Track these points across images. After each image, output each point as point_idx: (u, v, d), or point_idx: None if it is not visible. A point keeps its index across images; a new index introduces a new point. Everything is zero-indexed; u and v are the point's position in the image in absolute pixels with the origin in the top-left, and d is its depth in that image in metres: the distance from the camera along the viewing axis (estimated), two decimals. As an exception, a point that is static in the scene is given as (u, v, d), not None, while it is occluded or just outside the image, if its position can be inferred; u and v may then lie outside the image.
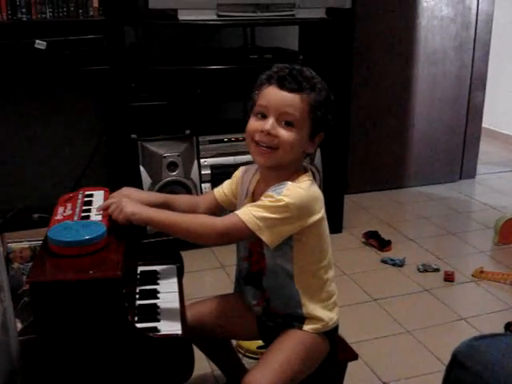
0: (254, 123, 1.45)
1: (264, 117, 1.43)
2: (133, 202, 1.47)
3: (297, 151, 1.45)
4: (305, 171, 1.51)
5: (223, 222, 1.41)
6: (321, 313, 1.52)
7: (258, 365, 1.50)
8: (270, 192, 1.42)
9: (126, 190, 1.60)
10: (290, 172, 1.47)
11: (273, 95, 1.42)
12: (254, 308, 1.61)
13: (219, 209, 1.67)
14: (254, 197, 1.53)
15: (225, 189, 1.64)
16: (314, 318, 1.52)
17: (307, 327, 1.52)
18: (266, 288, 1.54)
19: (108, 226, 1.44)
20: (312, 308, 1.52)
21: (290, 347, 1.50)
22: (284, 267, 1.48)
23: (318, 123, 1.44)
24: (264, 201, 1.40)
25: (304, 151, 1.47)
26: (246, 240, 1.51)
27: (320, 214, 1.46)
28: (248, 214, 1.39)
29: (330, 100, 1.45)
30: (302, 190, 1.42)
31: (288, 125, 1.42)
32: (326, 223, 1.52)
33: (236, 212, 1.42)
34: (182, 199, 1.70)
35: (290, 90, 1.41)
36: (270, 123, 1.41)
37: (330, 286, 1.55)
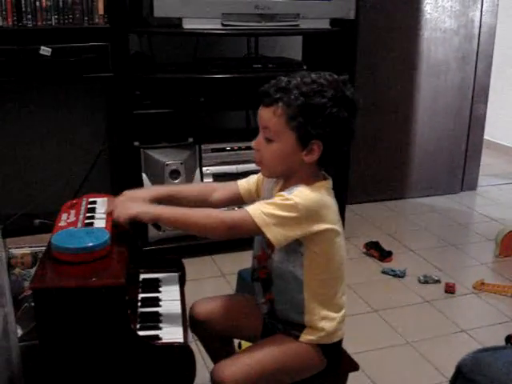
0: None
1: None
2: (138, 203, 1.49)
3: (285, 162, 1.45)
4: (324, 179, 1.50)
5: (232, 216, 1.42)
6: (322, 324, 1.51)
7: (232, 355, 1.54)
8: (282, 192, 1.44)
9: (129, 192, 1.60)
10: (301, 179, 1.46)
11: (258, 113, 1.46)
12: (261, 306, 1.61)
13: (237, 202, 1.68)
14: None
15: (251, 186, 1.65)
16: (314, 329, 1.51)
17: (303, 338, 1.52)
18: (273, 290, 1.54)
19: (111, 233, 1.44)
20: (314, 318, 1.51)
21: (270, 348, 1.50)
22: (294, 274, 1.48)
23: (301, 131, 1.40)
24: (275, 199, 1.42)
25: (302, 160, 1.44)
26: (253, 235, 1.52)
27: (331, 224, 1.45)
28: (257, 209, 1.40)
29: (313, 105, 1.38)
30: (312, 193, 1.42)
31: (267, 140, 1.44)
32: (341, 238, 1.51)
33: (246, 207, 1.43)
34: (189, 190, 1.72)
35: (266, 105, 1.43)
36: (254, 140, 1.48)
37: (339, 299, 1.55)
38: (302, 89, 1.39)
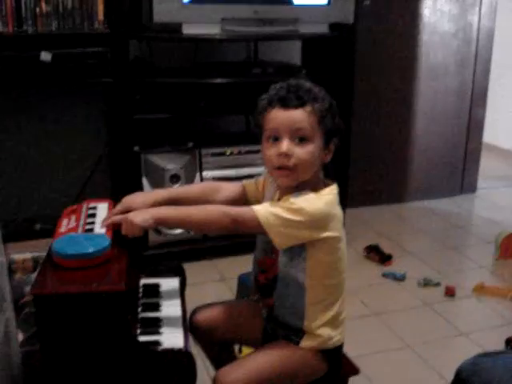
0: (269, 149, 1.45)
1: (276, 139, 1.44)
2: (139, 212, 1.46)
3: (316, 164, 1.46)
4: (329, 184, 1.50)
5: (237, 210, 1.43)
6: (322, 330, 1.52)
7: (234, 361, 1.54)
8: (289, 196, 1.43)
9: (129, 198, 1.57)
10: (311, 185, 1.47)
11: (280, 117, 1.43)
12: (262, 310, 1.62)
13: (241, 203, 1.63)
14: None
15: (258, 188, 1.64)
16: (314, 334, 1.52)
17: (304, 343, 1.52)
18: (274, 295, 1.54)
19: (112, 239, 1.45)
20: (314, 323, 1.51)
21: (271, 354, 1.51)
22: (297, 279, 1.49)
23: (328, 130, 1.45)
24: (281, 203, 1.43)
25: (322, 162, 1.47)
26: (255, 233, 1.52)
27: (335, 232, 1.46)
28: (262, 209, 1.41)
29: (334, 105, 1.46)
30: (320, 201, 1.43)
31: (302, 140, 1.42)
32: (343, 244, 1.52)
33: (252, 206, 1.44)
34: (190, 192, 1.68)
35: (295, 107, 1.41)
36: (285, 144, 1.42)
37: (339, 306, 1.55)
38: (321, 91, 1.46)
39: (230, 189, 1.67)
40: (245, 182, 1.67)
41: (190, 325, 1.61)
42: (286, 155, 1.41)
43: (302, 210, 1.39)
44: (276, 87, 1.46)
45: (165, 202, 1.59)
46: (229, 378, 1.44)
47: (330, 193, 1.47)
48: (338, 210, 1.48)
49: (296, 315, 1.52)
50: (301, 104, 1.42)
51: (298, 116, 1.42)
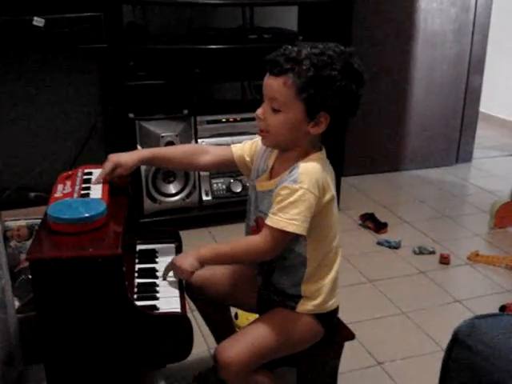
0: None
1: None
2: (182, 257, 1.52)
3: (291, 133, 1.44)
4: (319, 149, 1.51)
5: (265, 240, 1.43)
6: (319, 294, 1.53)
7: (233, 335, 1.54)
8: (285, 183, 1.42)
9: (114, 157, 1.63)
10: (301, 151, 1.47)
11: (265, 82, 1.44)
12: (256, 277, 1.63)
13: (229, 166, 1.70)
14: (272, 173, 1.54)
15: (245, 153, 1.64)
16: (310, 298, 1.53)
17: (300, 308, 1.53)
18: (271, 263, 1.55)
19: (108, 203, 1.44)
20: (312, 288, 1.52)
21: (271, 324, 1.51)
22: (297, 250, 1.49)
23: (310, 103, 1.39)
24: (283, 197, 1.41)
25: (307, 132, 1.44)
26: (291, 242, 1.49)
27: (332, 192, 1.47)
28: (279, 220, 1.40)
29: (324, 78, 1.37)
30: (313, 168, 1.43)
31: (274, 110, 1.43)
32: (336, 203, 1.52)
33: (268, 223, 1.43)
34: (176, 151, 1.75)
35: (275, 75, 1.40)
36: (260, 109, 1.46)
37: (335, 269, 1.56)
38: (312, 60, 1.37)
39: (218, 152, 1.69)
40: (233, 145, 1.68)
41: (185, 283, 1.61)
42: (259, 118, 1.46)
43: (307, 190, 1.39)
44: (279, 49, 1.43)
45: (148, 161, 1.71)
46: (230, 353, 1.44)
47: (319, 157, 1.47)
48: (329, 169, 1.49)
49: (294, 282, 1.53)
50: (280, 72, 1.39)
51: (275, 85, 1.40)
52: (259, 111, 1.46)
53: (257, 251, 1.45)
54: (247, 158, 1.64)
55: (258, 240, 1.45)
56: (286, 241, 1.45)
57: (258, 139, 1.61)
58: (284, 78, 1.38)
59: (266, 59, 1.42)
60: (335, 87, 1.38)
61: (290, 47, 1.42)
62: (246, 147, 1.65)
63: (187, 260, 1.48)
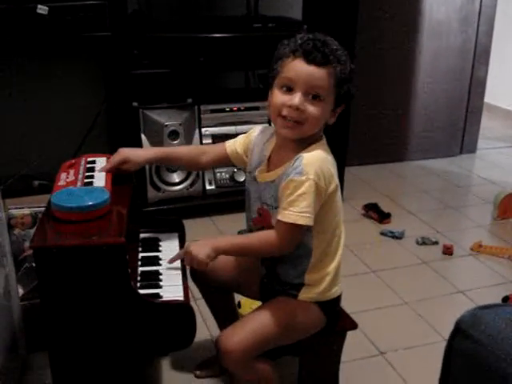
0: (280, 97, 1.43)
1: (289, 90, 1.42)
2: (199, 246, 1.49)
3: (321, 123, 1.47)
4: (320, 138, 1.51)
5: (277, 235, 1.44)
6: (321, 282, 1.53)
7: (235, 323, 1.54)
8: (291, 176, 1.41)
9: (124, 152, 1.63)
10: (301, 141, 1.47)
11: (300, 69, 1.40)
12: (260, 267, 1.63)
13: (227, 162, 1.70)
14: (270, 164, 1.54)
15: (238, 147, 1.65)
16: (313, 286, 1.53)
17: (302, 296, 1.54)
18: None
19: (111, 192, 1.44)
20: (316, 277, 1.53)
21: (272, 311, 1.52)
22: (303, 241, 1.49)
23: (341, 95, 1.45)
24: (291, 191, 1.41)
25: (326, 122, 1.48)
26: (305, 235, 1.49)
27: (336, 181, 1.48)
28: (291, 214, 1.41)
29: (353, 72, 1.45)
30: (317, 159, 1.43)
31: (315, 98, 1.41)
32: (339, 192, 1.53)
33: (279, 219, 1.43)
34: (182, 151, 1.77)
35: (318, 64, 1.39)
36: (298, 98, 1.41)
37: (338, 256, 1.56)
38: (345, 54, 1.44)
39: (213, 151, 1.70)
40: (227, 142, 1.68)
41: (189, 268, 1.61)
42: (297, 109, 1.41)
43: (313, 181, 1.39)
44: (303, 38, 1.43)
45: (159, 159, 1.73)
46: (231, 341, 1.45)
47: (321, 146, 1.48)
48: (331, 158, 1.50)
49: (298, 273, 1.53)
50: (324, 63, 1.40)
51: (320, 74, 1.40)
52: (297, 101, 1.40)
53: (272, 245, 1.46)
54: (240, 152, 1.64)
55: (272, 235, 1.45)
56: (300, 234, 1.45)
57: (253, 132, 1.63)
58: (328, 69, 1.40)
59: (306, 48, 1.40)
60: (353, 80, 1.46)
61: (320, 36, 1.43)
62: (238, 141, 1.66)
63: (204, 250, 1.47)
